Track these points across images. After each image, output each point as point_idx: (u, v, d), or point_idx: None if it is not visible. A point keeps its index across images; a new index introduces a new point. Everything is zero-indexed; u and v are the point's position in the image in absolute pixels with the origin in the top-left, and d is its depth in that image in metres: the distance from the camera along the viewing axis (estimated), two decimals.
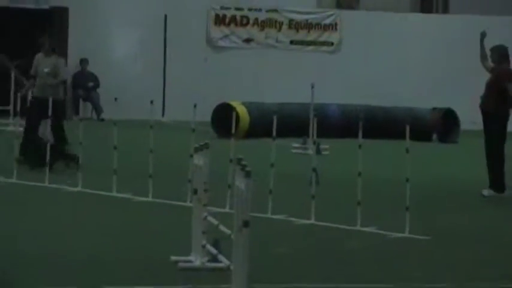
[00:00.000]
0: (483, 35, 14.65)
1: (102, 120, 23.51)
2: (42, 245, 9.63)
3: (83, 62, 26.02)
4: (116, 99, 17.93)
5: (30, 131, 15.72)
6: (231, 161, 8.66)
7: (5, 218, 11.04)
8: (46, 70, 15.85)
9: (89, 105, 24.74)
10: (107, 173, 13.17)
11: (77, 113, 22.33)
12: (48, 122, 14.78)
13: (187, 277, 8.20)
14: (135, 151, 14.24)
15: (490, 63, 14.50)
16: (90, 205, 12.49)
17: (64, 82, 17.10)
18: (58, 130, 15.38)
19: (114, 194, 12.79)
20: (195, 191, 8.67)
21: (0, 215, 11.11)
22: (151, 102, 15.65)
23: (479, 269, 9.49)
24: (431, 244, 10.39)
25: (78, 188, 13.28)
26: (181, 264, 8.49)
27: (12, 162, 14.42)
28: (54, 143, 15.01)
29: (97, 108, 24.94)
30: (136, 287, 7.99)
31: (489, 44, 14.75)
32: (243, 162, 7.31)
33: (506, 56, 14.42)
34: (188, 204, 9.74)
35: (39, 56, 16.21)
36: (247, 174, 7.18)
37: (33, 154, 15.09)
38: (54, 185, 13.58)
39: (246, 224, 7.16)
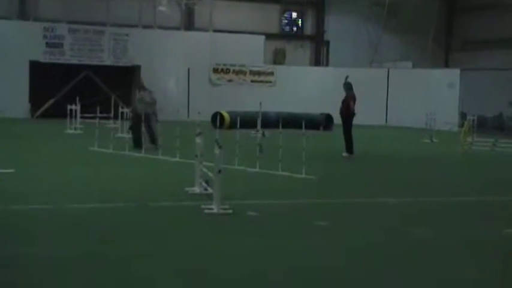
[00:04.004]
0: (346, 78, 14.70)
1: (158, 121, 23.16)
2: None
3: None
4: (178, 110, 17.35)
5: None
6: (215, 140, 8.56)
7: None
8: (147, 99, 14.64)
9: None
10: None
11: None
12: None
13: (193, 197, 8.13)
14: (170, 135, 13.69)
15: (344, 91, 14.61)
16: (156, 164, 11.83)
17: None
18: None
19: (160, 157, 12.47)
20: (196, 155, 8.60)
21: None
22: (178, 110, 15.51)
23: (345, 193, 9.56)
24: (317, 180, 10.20)
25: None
26: (189, 191, 8.44)
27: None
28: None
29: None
30: (167, 202, 7.92)
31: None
32: (219, 141, 7.36)
33: (351, 87, 14.51)
34: (193, 161, 9.53)
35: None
36: (220, 147, 7.24)
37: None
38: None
39: (219, 171, 7.22)
